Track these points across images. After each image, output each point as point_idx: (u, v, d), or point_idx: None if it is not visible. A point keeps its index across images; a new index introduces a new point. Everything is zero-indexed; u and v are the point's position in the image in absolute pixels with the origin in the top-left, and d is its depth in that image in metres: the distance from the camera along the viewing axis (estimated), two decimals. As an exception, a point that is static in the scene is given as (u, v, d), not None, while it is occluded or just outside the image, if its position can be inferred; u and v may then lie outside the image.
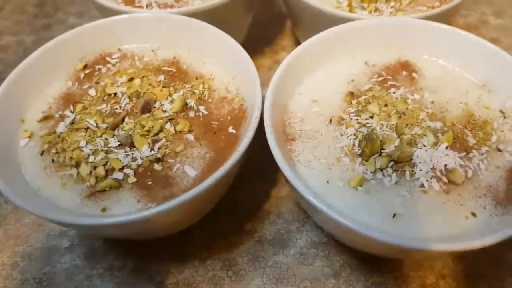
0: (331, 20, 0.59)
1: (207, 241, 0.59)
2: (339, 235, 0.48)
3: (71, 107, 0.54)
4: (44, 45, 0.56)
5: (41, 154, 0.50)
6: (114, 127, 0.51)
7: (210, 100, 0.55)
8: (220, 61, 0.58)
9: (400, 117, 0.49)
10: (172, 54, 0.61)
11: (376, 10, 0.68)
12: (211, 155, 0.49)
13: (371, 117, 0.50)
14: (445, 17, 0.60)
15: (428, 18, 0.58)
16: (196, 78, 0.57)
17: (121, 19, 0.60)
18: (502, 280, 0.55)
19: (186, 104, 0.53)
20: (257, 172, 0.66)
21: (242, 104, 0.53)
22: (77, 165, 0.48)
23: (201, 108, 0.53)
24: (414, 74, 0.56)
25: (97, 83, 0.57)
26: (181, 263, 0.58)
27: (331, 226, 0.44)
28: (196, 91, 0.55)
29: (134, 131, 0.50)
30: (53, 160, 0.49)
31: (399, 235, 0.37)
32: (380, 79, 0.55)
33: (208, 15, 0.60)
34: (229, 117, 0.52)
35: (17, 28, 0.96)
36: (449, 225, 0.42)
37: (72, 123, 0.52)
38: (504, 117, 0.51)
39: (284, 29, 0.93)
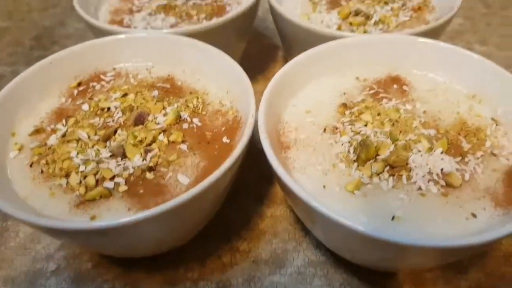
0: (323, 40, 0.61)
1: (199, 262, 0.57)
2: (337, 243, 0.46)
3: (63, 121, 0.54)
4: (39, 62, 0.57)
5: (30, 165, 0.49)
6: (106, 138, 0.50)
7: (204, 112, 0.55)
8: (214, 77, 0.58)
9: (393, 124, 0.50)
10: (167, 72, 0.61)
11: (365, 32, 0.70)
12: (205, 163, 0.48)
13: (365, 125, 0.50)
14: (432, 36, 0.62)
15: (416, 35, 0.59)
16: (190, 93, 0.58)
17: (116, 39, 0.61)
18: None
19: (180, 116, 0.53)
20: (251, 193, 0.65)
21: (236, 116, 0.53)
22: (67, 175, 0.47)
23: (195, 120, 0.53)
24: (405, 87, 0.57)
25: (90, 99, 0.57)
26: (173, 285, 0.55)
27: (329, 231, 0.43)
28: (190, 104, 0.55)
29: (126, 142, 0.49)
30: (42, 171, 0.48)
31: (398, 235, 0.36)
32: (371, 92, 0.56)
33: (201, 37, 0.61)
34: (223, 128, 0.52)
35: (12, 59, 0.97)
36: (450, 226, 0.41)
37: (64, 135, 0.51)
38: (497, 124, 0.51)
39: (276, 58, 0.95)
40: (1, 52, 0.99)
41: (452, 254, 0.39)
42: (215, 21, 0.67)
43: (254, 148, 0.66)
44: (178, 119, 0.53)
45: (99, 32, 0.66)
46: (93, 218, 0.43)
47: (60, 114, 0.55)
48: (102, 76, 0.61)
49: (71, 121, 0.53)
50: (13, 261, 0.58)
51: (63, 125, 0.53)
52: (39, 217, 0.41)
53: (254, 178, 0.67)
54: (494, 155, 0.48)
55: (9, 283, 0.56)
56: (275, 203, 0.65)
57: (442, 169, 0.45)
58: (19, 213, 0.39)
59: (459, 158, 0.46)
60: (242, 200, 0.64)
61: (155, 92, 0.57)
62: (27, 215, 0.39)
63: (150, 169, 0.47)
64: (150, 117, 0.53)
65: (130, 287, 0.55)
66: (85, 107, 0.55)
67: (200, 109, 0.55)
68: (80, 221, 0.42)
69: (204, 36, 0.62)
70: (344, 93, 0.56)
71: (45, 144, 0.51)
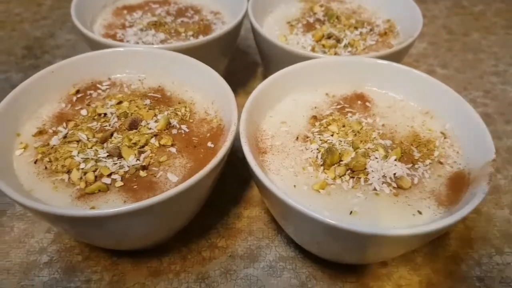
0: (298, 59, 0.68)
1: (181, 256, 0.63)
2: (305, 236, 0.53)
3: (64, 124, 0.59)
4: (42, 70, 0.62)
5: (35, 162, 0.54)
6: (104, 141, 0.56)
7: (191, 120, 0.61)
8: (200, 88, 0.65)
9: (355, 135, 0.57)
10: (157, 83, 0.68)
11: (335, 54, 0.78)
12: (192, 165, 0.54)
13: (332, 135, 0.57)
14: (395, 58, 0.70)
15: (380, 57, 0.68)
16: (179, 103, 0.64)
17: (112, 52, 0.67)
18: (452, 289, 0.61)
19: (170, 123, 0.59)
20: (230, 196, 0.72)
21: (220, 124, 0.60)
22: (69, 171, 0.52)
23: (183, 126, 0.60)
24: (367, 103, 0.65)
25: (88, 105, 0.63)
26: (156, 277, 0.61)
27: (299, 224, 0.50)
28: (179, 112, 0.62)
29: (122, 144, 0.55)
30: (46, 167, 0.53)
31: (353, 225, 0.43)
32: (339, 106, 0.64)
33: (188, 52, 0.68)
34: (208, 134, 0.59)
35: (5, 67, 1.01)
36: (399, 221, 0.48)
37: (65, 137, 0.57)
38: (445, 137, 0.59)
39: (256, 74, 1.03)
40: (-6, 60, 1.03)
41: (399, 243, 0.46)
42: (202, 39, 0.74)
43: (234, 156, 0.73)
44: (168, 125, 0.59)
45: (95, 45, 0.72)
46: (92, 208, 0.49)
47: (61, 118, 0.61)
48: (98, 85, 0.67)
49: (71, 124, 0.59)
50: (8, 254, 0.63)
51: (63, 127, 0.59)
52: (46, 205, 0.47)
53: (233, 183, 0.74)
54: (441, 163, 0.55)
55: (4, 273, 0.60)
56: (252, 205, 0.71)
57: (394, 174, 0.52)
58: (29, 202, 0.44)
59: (410, 165, 0.54)
60: (222, 203, 0.71)
61: (147, 101, 0.63)
62: (35, 203, 0.44)
63: (143, 168, 0.53)
64: (143, 123, 0.59)
65: (118, 277, 0.60)
66: (84, 112, 0.61)
67: (188, 117, 0.61)
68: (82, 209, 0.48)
69: (192, 52, 0.68)
70: (315, 107, 0.64)
71: (48, 144, 0.56)
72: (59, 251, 0.63)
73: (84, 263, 0.62)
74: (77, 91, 0.65)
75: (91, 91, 0.65)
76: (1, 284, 0.59)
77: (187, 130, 0.59)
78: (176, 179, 0.52)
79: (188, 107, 0.63)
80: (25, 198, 0.44)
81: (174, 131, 0.59)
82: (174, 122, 0.60)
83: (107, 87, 0.67)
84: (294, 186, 0.52)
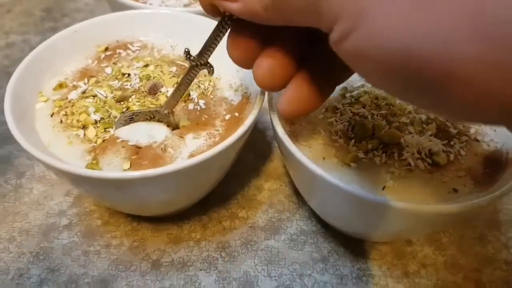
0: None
1: (202, 225, 0.62)
2: (331, 210, 0.52)
3: (86, 80, 0.58)
4: (64, 30, 0.60)
5: (51, 115, 0.53)
6: (121, 99, 0.55)
7: (211, 96, 0.58)
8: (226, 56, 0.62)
9: (389, 108, 0.55)
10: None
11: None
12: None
13: (363, 107, 0.55)
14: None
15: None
16: (204, 76, 0.61)
17: (138, 13, 0.65)
18: (479, 271, 0.59)
19: (189, 95, 0.57)
20: (251, 169, 0.70)
21: (245, 92, 0.58)
22: (84, 127, 0.52)
23: (201, 102, 0.57)
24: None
25: (114, 63, 0.61)
26: (177, 244, 0.60)
27: (326, 197, 0.48)
28: (202, 85, 0.59)
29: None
30: (61, 121, 0.53)
31: (386, 199, 0.41)
32: (371, 78, 0.61)
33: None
34: (225, 113, 0.56)
35: (23, 29, 1.00)
36: (433, 198, 0.46)
37: (84, 92, 0.56)
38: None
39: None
40: (12, 21, 1.01)
41: (433, 220, 0.45)
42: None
43: (254, 128, 0.71)
44: (188, 96, 0.57)
45: (118, 7, 0.70)
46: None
47: (84, 74, 0.59)
48: (129, 45, 0.64)
49: (92, 80, 0.58)
50: (28, 215, 0.63)
51: (84, 83, 0.57)
52: (60, 161, 0.46)
53: (253, 157, 0.72)
54: (477, 140, 0.53)
55: (23, 234, 0.60)
56: (272, 178, 0.70)
57: (430, 149, 0.50)
58: (48, 159, 0.43)
59: (445, 141, 0.51)
60: (243, 175, 0.69)
61: (173, 68, 0.61)
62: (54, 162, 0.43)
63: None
64: (163, 89, 0.57)
65: (138, 243, 0.60)
66: (108, 70, 0.60)
67: (210, 92, 0.59)
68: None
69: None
70: (345, 78, 0.61)
71: (66, 98, 0.55)
72: (78, 214, 0.63)
73: (103, 228, 0.62)
74: (106, 49, 0.63)
75: (121, 50, 0.64)
76: (21, 245, 0.59)
77: (203, 107, 0.57)
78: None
79: (213, 81, 0.60)
80: (48, 157, 0.43)
81: (191, 106, 0.56)
82: (194, 95, 0.57)
83: (138, 48, 0.64)
84: (324, 158, 0.50)
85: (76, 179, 0.45)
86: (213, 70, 0.47)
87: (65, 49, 0.60)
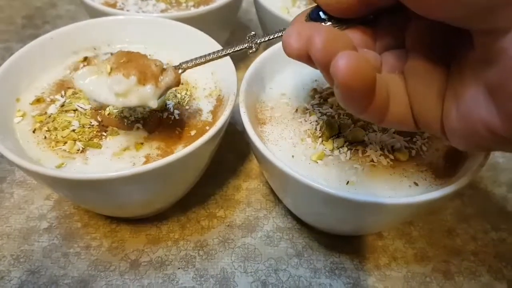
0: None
1: (180, 225, 0.64)
2: (303, 206, 0.54)
3: (62, 92, 0.59)
4: (40, 37, 0.62)
5: (33, 131, 0.54)
6: (99, 109, 0.56)
7: (187, 107, 0.59)
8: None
9: (355, 107, 0.57)
10: (166, 57, 0.66)
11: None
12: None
13: (331, 107, 0.57)
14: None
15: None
16: (182, 84, 0.61)
17: (112, 20, 0.66)
18: (447, 263, 0.62)
19: (166, 104, 0.58)
20: (230, 169, 0.72)
21: (219, 95, 0.60)
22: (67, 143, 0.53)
23: (176, 112, 0.58)
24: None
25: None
26: (155, 244, 0.62)
27: (297, 194, 0.50)
28: (178, 95, 0.60)
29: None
30: (45, 137, 0.53)
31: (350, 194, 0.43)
32: (340, 79, 0.63)
33: (188, 23, 0.67)
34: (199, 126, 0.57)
35: (4, 36, 1.01)
36: (395, 192, 0.48)
37: (62, 105, 0.57)
38: (444, 112, 0.59)
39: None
40: (-6, 29, 1.02)
41: (394, 213, 0.47)
42: (203, 8, 0.73)
43: (233, 128, 0.73)
44: (165, 105, 0.58)
45: (95, 13, 0.71)
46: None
47: (61, 86, 0.60)
48: (104, 52, 0.66)
49: (69, 92, 0.59)
50: (8, 219, 0.64)
51: (61, 95, 0.58)
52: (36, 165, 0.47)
53: (232, 156, 0.74)
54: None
55: (4, 238, 0.61)
56: (250, 178, 0.72)
57: (392, 146, 0.52)
58: (28, 164, 0.45)
59: (408, 138, 0.54)
60: (221, 175, 0.71)
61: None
62: (34, 166, 0.45)
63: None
64: None
65: (117, 244, 0.61)
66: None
67: (186, 102, 0.60)
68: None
69: (192, 22, 0.67)
70: (316, 80, 0.63)
71: (45, 112, 0.56)
72: (58, 217, 0.64)
73: (83, 230, 0.63)
74: (85, 59, 0.64)
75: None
76: (2, 249, 0.60)
77: (177, 118, 0.57)
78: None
79: (190, 90, 0.62)
80: (26, 162, 0.45)
81: (165, 115, 0.57)
82: (170, 104, 0.58)
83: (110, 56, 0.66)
84: (292, 156, 0.52)
85: (51, 181, 0.47)
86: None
87: (42, 56, 0.61)
